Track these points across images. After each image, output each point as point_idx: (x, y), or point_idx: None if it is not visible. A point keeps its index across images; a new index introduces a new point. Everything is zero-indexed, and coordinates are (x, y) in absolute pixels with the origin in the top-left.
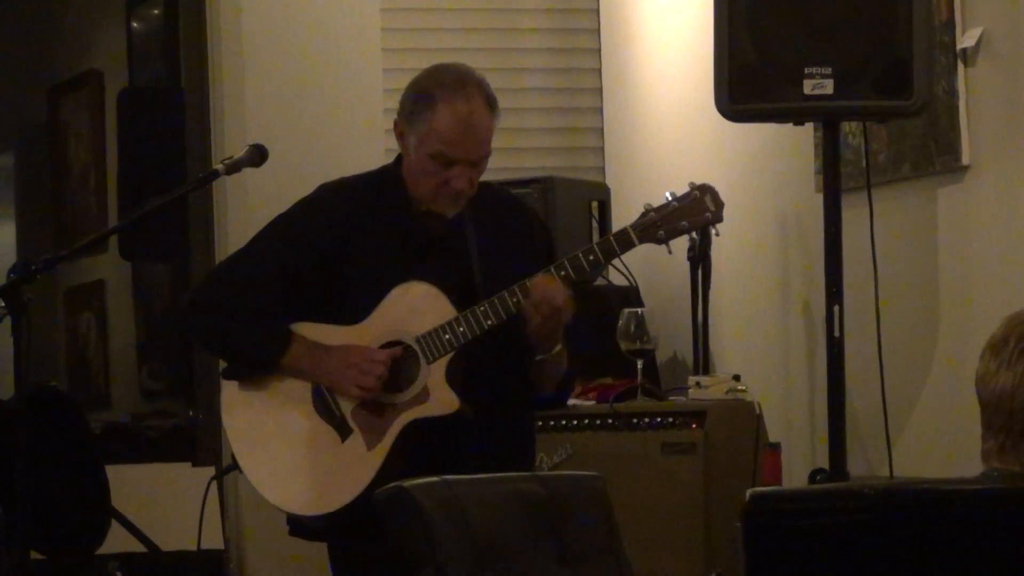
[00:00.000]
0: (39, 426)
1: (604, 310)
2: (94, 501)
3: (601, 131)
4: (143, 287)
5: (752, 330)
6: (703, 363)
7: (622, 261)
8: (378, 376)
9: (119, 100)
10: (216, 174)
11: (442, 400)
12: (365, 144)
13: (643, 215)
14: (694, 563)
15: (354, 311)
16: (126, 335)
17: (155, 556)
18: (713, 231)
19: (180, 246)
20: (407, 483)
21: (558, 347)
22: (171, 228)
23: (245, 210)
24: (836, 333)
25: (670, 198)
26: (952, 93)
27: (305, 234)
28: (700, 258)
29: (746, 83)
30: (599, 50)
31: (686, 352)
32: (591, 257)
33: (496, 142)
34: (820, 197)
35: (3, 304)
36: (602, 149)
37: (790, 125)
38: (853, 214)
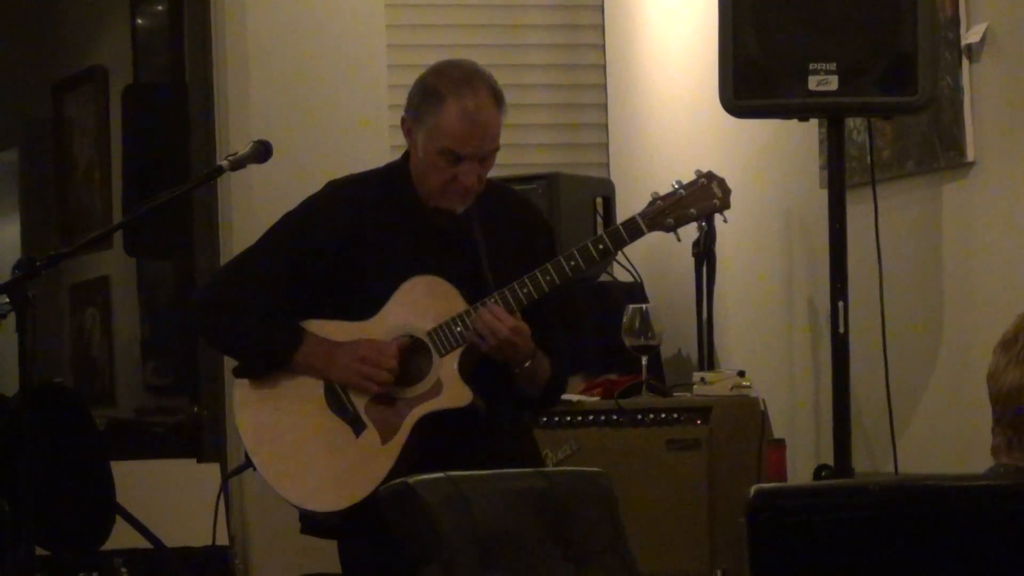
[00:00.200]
0: (44, 422)
1: (609, 306)
2: (99, 497)
3: (605, 127)
4: (148, 283)
5: (757, 326)
6: (708, 359)
7: (626, 257)
8: (389, 369)
9: (124, 96)
10: (220, 170)
11: (455, 393)
12: (369, 140)
13: (651, 203)
14: (699, 559)
15: (365, 307)
16: (131, 331)
17: (160, 552)
18: (722, 218)
19: (184, 242)
20: (412, 479)
21: (527, 363)
22: (176, 224)
23: (249, 206)
24: (841, 329)
25: (676, 186)
26: (957, 89)
27: (315, 231)
28: (705, 254)
29: (750, 79)
30: (603, 46)
31: (691, 348)
32: (600, 246)
33: (500, 139)
34: (824, 193)
35: (8, 300)
36: (606, 145)
37: (794, 121)
38: (857, 210)
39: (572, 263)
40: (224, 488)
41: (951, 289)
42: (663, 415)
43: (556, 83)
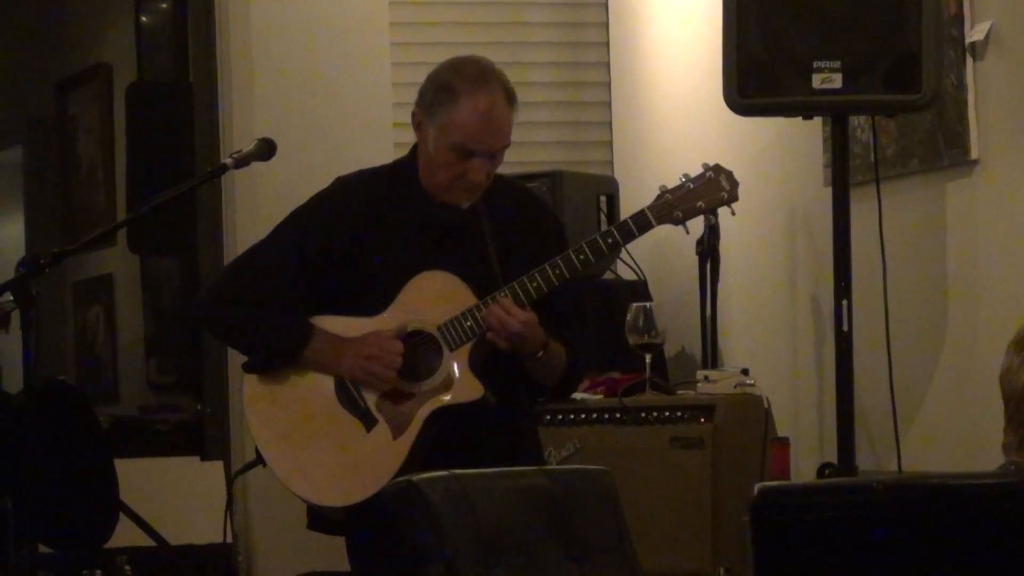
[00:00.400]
0: (48, 420)
1: (612, 304)
2: (102, 495)
3: (609, 125)
4: (151, 281)
5: (760, 324)
6: (711, 357)
7: (630, 255)
8: (396, 361)
9: (128, 94)
10: (225, 168)
11: (466, 387)
12: (373, 138)
13: (659, 197)
14: (702, 557)
15: (374, 302)
16: (135, 329)
17: (163, 550)
18: (730, 211)
19: (188, 240)
20: (415, 477)
21: (540, 353)
22: (180, 222)
23: (254, 204)
24: (844, 327)
25: (684, 179)
26: (961, 87)
27: (323, 227)
28: (708, 252)
29: (755, 77)
30: (607, 44)
31: (694, 346)
32: (610, 240)
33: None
34: (829, 191)
35: (12, 298)
36: (610, 143)
37: (799, 119)
38: (862, 208)
39: (581, 256)
40: (228, 485)
41: (955, 287)
42: (667, 413)
43: (560, 81)
